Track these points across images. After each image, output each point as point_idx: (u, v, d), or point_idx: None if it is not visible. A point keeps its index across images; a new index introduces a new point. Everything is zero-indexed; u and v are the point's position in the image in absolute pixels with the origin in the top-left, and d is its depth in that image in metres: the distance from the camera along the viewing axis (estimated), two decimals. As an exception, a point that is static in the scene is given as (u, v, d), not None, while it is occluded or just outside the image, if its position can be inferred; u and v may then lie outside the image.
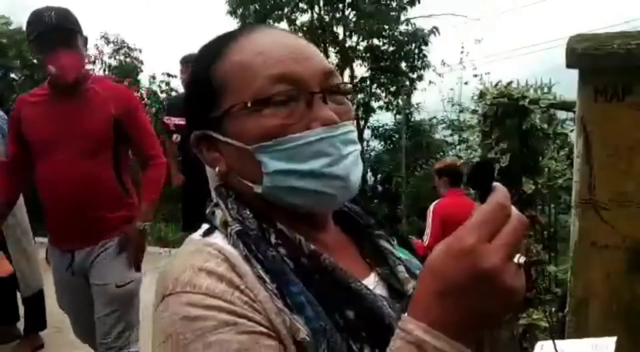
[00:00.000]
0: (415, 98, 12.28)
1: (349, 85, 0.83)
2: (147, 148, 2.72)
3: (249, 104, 0.73)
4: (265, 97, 0.73)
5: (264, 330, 0.65)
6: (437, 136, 11.81)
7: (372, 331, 0.71)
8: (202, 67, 0.80)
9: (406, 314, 0.60)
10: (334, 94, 0.78)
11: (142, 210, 2.69)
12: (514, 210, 0.60)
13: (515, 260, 0.58)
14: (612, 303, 2.35)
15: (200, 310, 0.64)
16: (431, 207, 4.25)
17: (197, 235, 0.78)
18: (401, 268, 0.84)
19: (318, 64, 0.78)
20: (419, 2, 11.22)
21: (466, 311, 0.57)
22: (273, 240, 0.74)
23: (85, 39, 2.62)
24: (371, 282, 0.81)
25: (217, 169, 0.79)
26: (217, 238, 0.75)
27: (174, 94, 13.23)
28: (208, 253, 0.71)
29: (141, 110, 2.77)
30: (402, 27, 11.57)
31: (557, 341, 0.67)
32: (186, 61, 4.67)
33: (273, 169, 0.74)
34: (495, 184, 0.61)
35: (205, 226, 0.79)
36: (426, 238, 4.15)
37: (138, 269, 2.72)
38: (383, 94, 12.09)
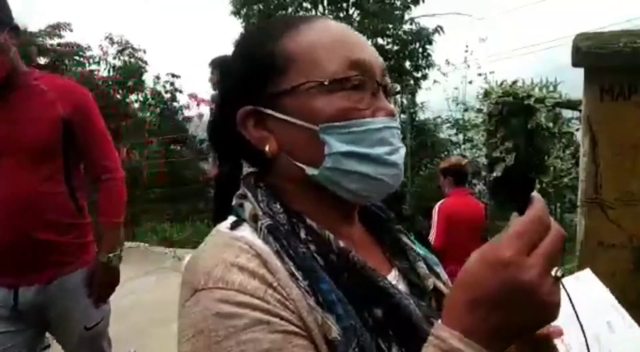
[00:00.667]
0: (420, 97, 12.27)
1: (397, 87, 0.85)
2: (101, 157, 2.22)
3: (326, 82, 0.73)
4: (342, 78, 0.73)
5: (296, 329, 0.65)
6: (441, 135, 11.79)
7: (400, 329, 0.71)
8: (263, 42, 0.78)
9: (439, 321, 0.60)
10: (386, 92, 0.80)
11: (106, 238, 2.22)
12: (553, 222, 0.60)
13: (553, 273, 0.57)
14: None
15: (233, 307, 0.64)
16: (436, 207, 4.24)
17: (224, 227, 0.76)
18: (421, 264, 0.85)
19: (378, 57, 0.80)
20: (423, 2, 11.21)
21: (500, 323, 0.57)
22: (303, 236, 0.73)
23: (14, 30, 2.14)
24: (392, 277, 0.81)
25: (266, 147, 0.77)
26: (246, 231, 0.74)
27: (178, 94, 13.29)
28: (239, 248, 0.70)
29: (96, 112, 2.24)
30: (406, 27, 11.57)
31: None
32: (216, 63, 4.58)
33: (337, 150, 0.73)
34: (534, 194, 0.61)
35: (232, 218, 0.78)
36: (431, 237, 4.15)
37: (105, 301, 2.35)
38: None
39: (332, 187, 0.75)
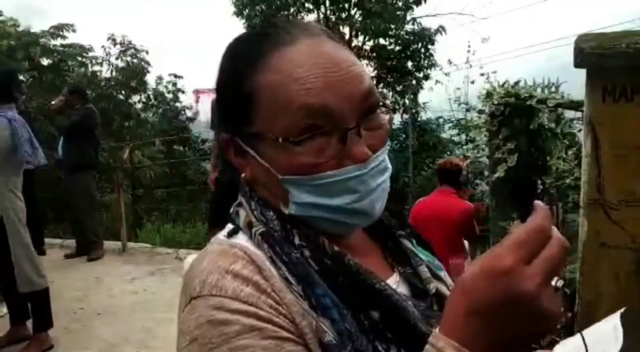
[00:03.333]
0: (422, 97, 12.27)
1: (389, 106, 0.79)
2: None
3: (279, 140, 0.71)
4: (296, 136, 0.70)
5: (289, 335, 0.65)
6: (444, 135, 11.78)
7: (398, 331, 0.71)
8: (235, 71, 0.77)
9: (437, 330, 0.60)
10: (371, 114, 0.75)
11: None
12: (555, 232, 0.58)
13: (553, 283, 0.56)
14: (621, 304, 2.33)
15: (226, 314, 0.65)
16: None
17: (222, 235, 0.78)
18: (423, 268, 0.84)
19: (356, 90, 0.73)
20: (424, 2, 11.20)
21: (498, 333, 0.56)
22: (297, 241, 0.74)
23: None
24: (393, 281, 0.80)
25: (243, 174, 0.79)
26: (242, 239, 0.75)
27: (180, 94, 13.30)
28: (234, 255, 0.71)
29: None
30: (409, 27, 11.56)
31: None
32: None
33: (300, 200, 0.74)
34: (537, 202, 0.60)
35: (229, 226, 0.79)
36: None
37: None
38: (390, 94, 12.07)
39: (307, 221, 0.75)
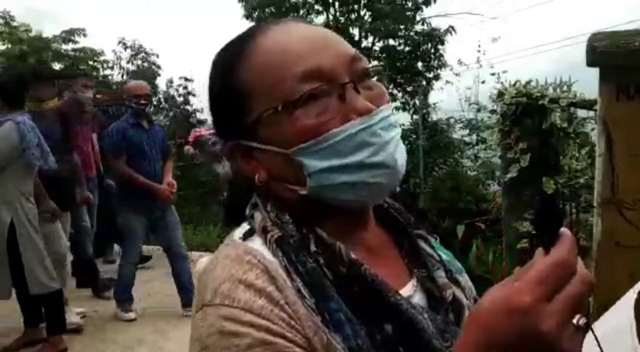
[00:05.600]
0: (432, 98, 12.23)
1: (378, 66, 0.78)
2: None
3: (279, 108, 0.70)
4: (294, 98, 0.70)
5: (300, 351, 0.64)
6: (454, 136, 11.73)
7: (411, 346, 0.69)
8: (222, 74, 0.78)
9: None
10: (364, 79, 0.74)
11: None
12: (580, 265, 0.55)
13: (575, 321, 0.54)
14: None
15: (237, 326, 0.64)
16: None
17: (237, 236, 0.76)
18: (440, 273, 0.81)
19: (342, 51, 0.74)
20: (434, 2, 11.17)
21: None
22: (313, 248, 0.72)
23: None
24: (410, 288, 0.78)
25: (256, 178, 0.76)
26: (257, 243, 0.73)
27: (191, 97, 13.35)
28: (248, 262, 0.69)
29: None
30: (418, 27, 11.53)
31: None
32: None
33: (315, 169, 0.71)
34: (562, 230, 0.56)
35: (245, 226, 0.77)
36: None
37: None
38: (400, 95, 12.04)
39: (328, 200, 0.73)
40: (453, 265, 0.86)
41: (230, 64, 0.76)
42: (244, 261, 0.69)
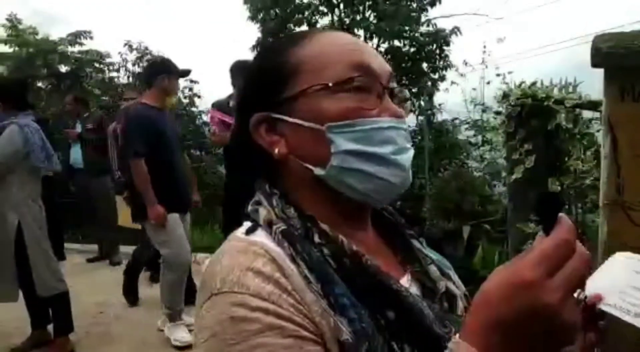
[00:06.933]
0: (438, 99, 12.20)
1: (406, 92, 0.90)
2: None
3: (330, 85, 0.77)
4: (346, 79, 0.77)
5: (309, 335, 0.66)
6: (460, 137, 11.71)
7: (413, 331, 0.72)
8: (275, 53, 0.83)
9: (457, 337, 0.61)
10: (393, 96, 0.83)
11: None
12: (578, 245, 0.59)
13: (575, 295, 0.58)
14: None
15: (247, 311, 0.65)
16: None
17: (240, 232, 0.79)
18: (433, 267, 0.86)
19: (385, 64, 0.83)
20: (439, 3, 11.15)
21: (519, 344, 0.57)
22: (317, 239, 0.75)
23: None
24: (405, 281, 0.82)
25: (276, 150, 0.80)
26: (261, 236, 0.76)
27: (196, 99, 13.37)
28: (254, 252, 0.72)
29: None
30: (423, 28, 11.50)
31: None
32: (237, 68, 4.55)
33: (343, 148, 0.76)
34: (561, 215, 0.60)
35: (247, 224, 0.80)
36: None
37: None
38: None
39: (339, 187, 0.78)
40: (443, 263, 0.91)
41: (285, 46, 0.83)
42: (249, 251, 0.72)
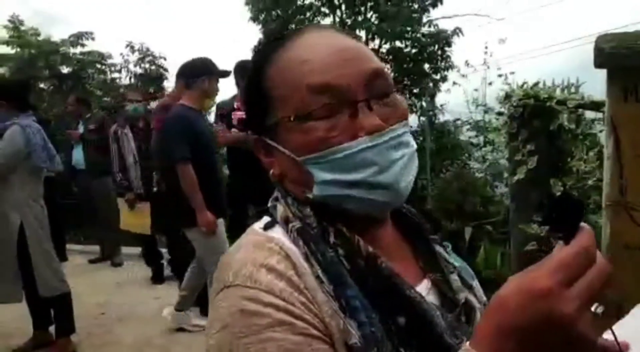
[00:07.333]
0: (439, 99, 12.18)
1: (398, 84, 0.81)
2: None
3: (291, 118, 0.74)
4: (305, 111, 0.73)
5: (318, 334, 0.66)
6: (462, 137, 11.69)
7: (423, 339, 0.71)
8: (254, 72, 0.82)
9: (468, 344, 0.59)
10: (384, 96, 0.76)
11: None
12: (599, 256, 0.57)
13: (593, 309, 0.56)
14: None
15: (259, 306, 0.66)
16: None
17: (258, 227, 0.79)
18: (454, 276, 0.83)
19: (363, 66, 0.75)
20: (441, 3, 11.14)
21: None
22: (332, 239, 0.74)
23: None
24: (424, 288, 0.80)
25: (271, 173, 0.82)
26: (278, 232, 0.77)
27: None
28: (269, 249, 0.72)
29: None
30: (425, 29, 11.50)
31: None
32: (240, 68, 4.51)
33: (321, 179, 0.74)
34: (583, 225, 0.58)
35: (266, 218, 0.80)
36: None
37: None
38: (406, 96, 12.02)
39: (334, 206, 0.76)
40: (466, 271, 0.88)
41: (260, 65, 0.81)
42: (265, 247, 0.72)
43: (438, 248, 0.86)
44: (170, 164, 3.71)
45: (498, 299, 0.58)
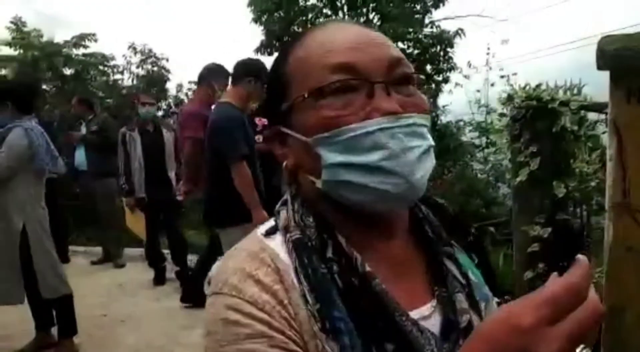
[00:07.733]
0: (442, 101, 12.17)
1: (420, 76, 0.77)
2: None
3: (306, 95, 0.72)
4: (320, 87, 0.71)
5: (297, 349, 0.66)
6: (464, 138, 11.68)
7: None
8: (276, 64, 0.82)
9: None
10: (402, 84, 0.73)
11: None
12: (592, 294, 0.53)
13: (578, 350, 0.53)
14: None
15: (240, 316, 0.66)
16: None
17: (260, 232, 0.78)
18: (461, 296, 0.78)
19: (384, 52, 0.73)
20: (443, 5, 11.14)
21: None
22: (329, 254, 0.71)
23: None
24: (427, 308, 0.76)
25: (284, 164, 0.79)
26: (277, 241, 0.75)
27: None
28: (261, 260, 0.72)
29: None
30: (427, 30, 11.50)
31: None
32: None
33: (330, 161, 0.71)
34: (579, 257, 0.54)
35: (271, 222, 0.79)
36: None
37: None
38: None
39: (338, 198, 0.73)
40: (480, 290, 0.83)
41: (282, 55, 0.81)
42: (258, 257, 0.72)
43: (448, 263, 0.80)
44: (223, 163, 3.55)
45: (480, 328, 0.57)
